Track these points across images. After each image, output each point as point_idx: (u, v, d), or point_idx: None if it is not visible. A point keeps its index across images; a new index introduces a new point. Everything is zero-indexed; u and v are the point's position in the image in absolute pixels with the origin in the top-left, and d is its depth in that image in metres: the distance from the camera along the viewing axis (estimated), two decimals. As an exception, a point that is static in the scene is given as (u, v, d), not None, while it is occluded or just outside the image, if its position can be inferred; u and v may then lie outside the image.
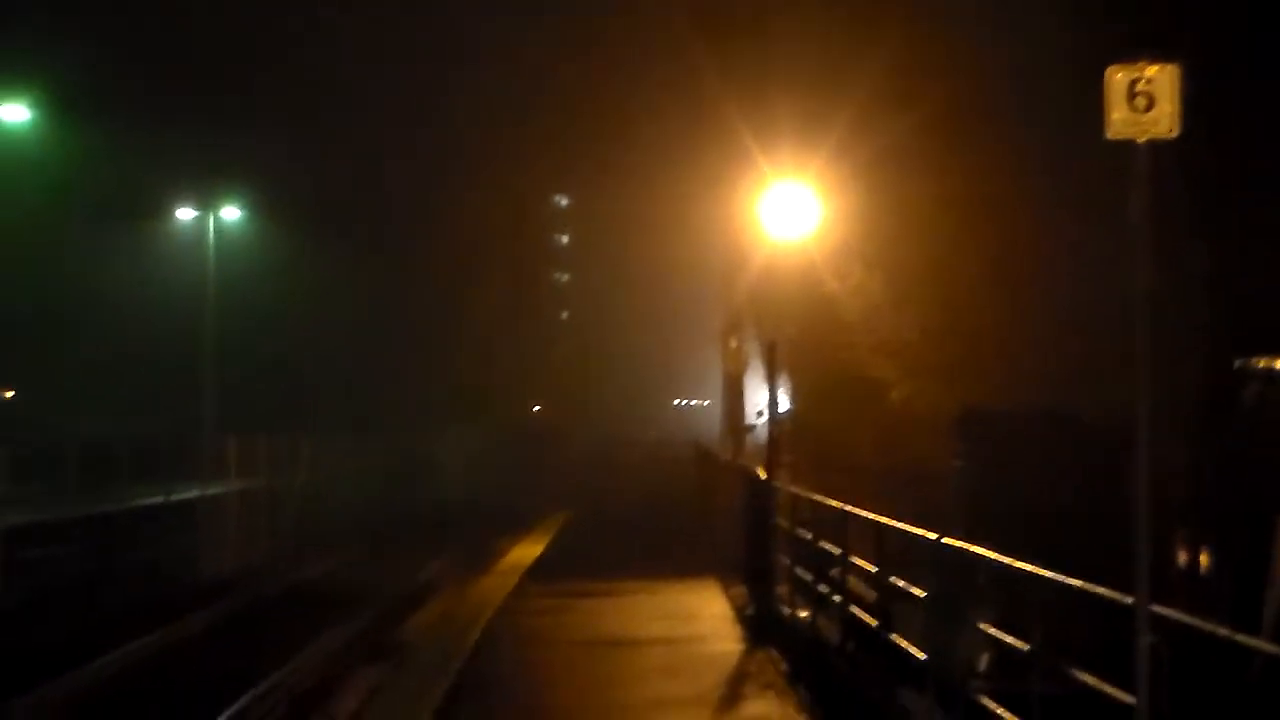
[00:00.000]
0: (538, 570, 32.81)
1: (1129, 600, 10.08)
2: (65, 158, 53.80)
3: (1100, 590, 10.41)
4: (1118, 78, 10.47)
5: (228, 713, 21.90)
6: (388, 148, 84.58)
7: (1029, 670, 11.30)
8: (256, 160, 69.46)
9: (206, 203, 61.78)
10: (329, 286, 76.55)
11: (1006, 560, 12.13)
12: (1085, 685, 10.51)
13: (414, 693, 18.39)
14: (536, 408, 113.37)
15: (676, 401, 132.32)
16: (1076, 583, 10.72)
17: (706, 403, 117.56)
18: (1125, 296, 10.70)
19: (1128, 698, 9.93)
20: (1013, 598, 12.29)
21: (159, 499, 39.25)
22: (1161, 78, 10.46)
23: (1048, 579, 11.10)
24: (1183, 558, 18.91)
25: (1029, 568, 11.45)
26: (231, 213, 62.90)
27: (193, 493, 41.95)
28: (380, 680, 21.81)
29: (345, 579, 38.63)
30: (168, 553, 37.96)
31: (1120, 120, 10.46)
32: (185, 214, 62.47)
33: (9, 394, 61.44)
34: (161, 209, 63.24)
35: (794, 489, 23.99)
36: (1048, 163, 27.75)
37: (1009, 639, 12.04)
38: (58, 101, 49.97)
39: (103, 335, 63.02)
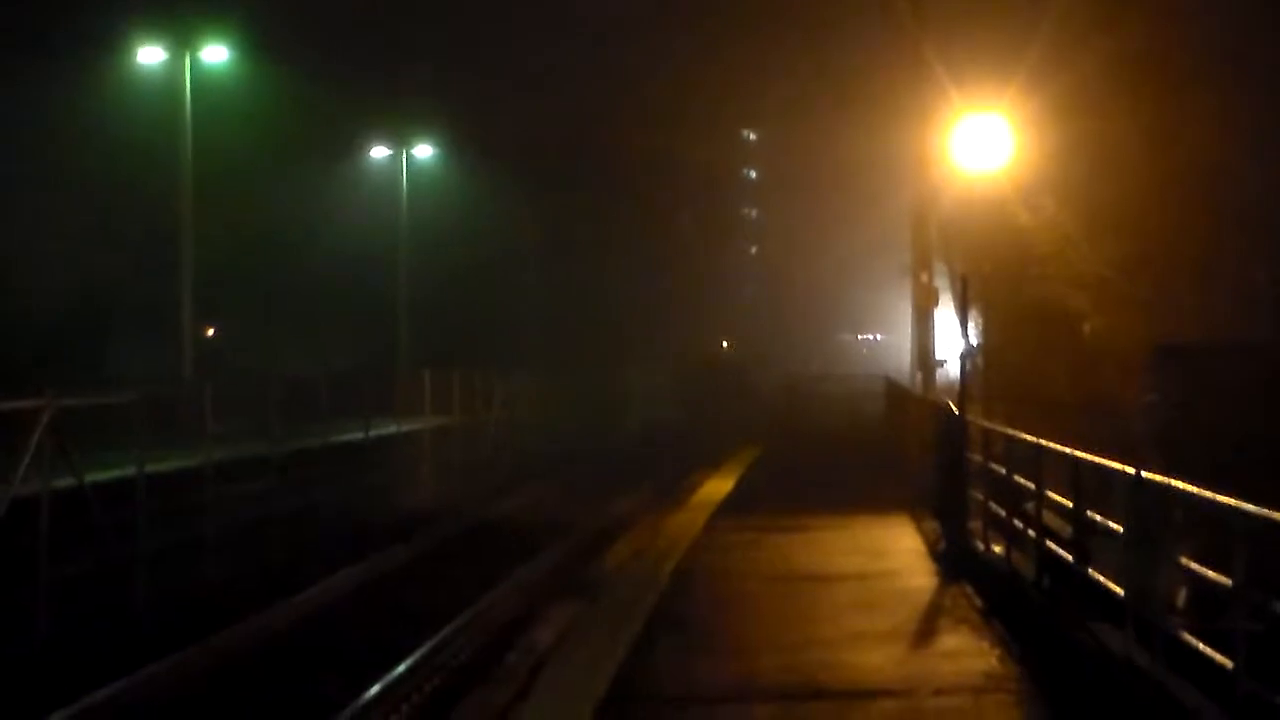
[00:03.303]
0: (729, 505, 32.89)
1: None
2: (262, 98, 54.55)
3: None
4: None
5: (430, 643, 22.37)
6: (577, 83, 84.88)
7: (1230, 606, 11.22)
8: (448, 98, 70.27)
9: (400, 141, 62.74)
10: (520, 223, 77.21)
11: (1209, 494, 12.02)
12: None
13: (611, 627, 18.61)
14: (725, 343, 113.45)
15: (860, 336, 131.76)
16: (1280, 516, 10.61)
17: (880, 337, 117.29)
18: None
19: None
20: (1213, 533, 12.19)
21: (358, 435, 39.90)
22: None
23: (1252, 513, 10.99)
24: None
25: (1233, 502, 11.33)
26: (424, 150, 63.83)
27: (390, 429, 42.60)
28: (577, 615, 22.09)
29: (539, 515, 39.04)
30: (366, 488, 38.62)
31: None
32: (379, 152, 63.51)
33: (210, 331, 62.67)
34: (355, 148, 64.32)
35: (986, 423, 23.87)
36: (1244, 94, 27.28)
37: (1211, 574, 11.95)
38: (255, 41, 50.64)
39: (300, 273, 64.08)
